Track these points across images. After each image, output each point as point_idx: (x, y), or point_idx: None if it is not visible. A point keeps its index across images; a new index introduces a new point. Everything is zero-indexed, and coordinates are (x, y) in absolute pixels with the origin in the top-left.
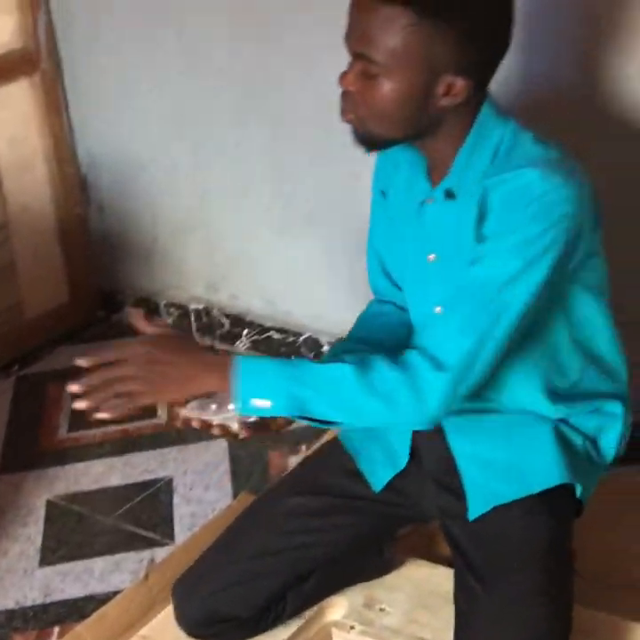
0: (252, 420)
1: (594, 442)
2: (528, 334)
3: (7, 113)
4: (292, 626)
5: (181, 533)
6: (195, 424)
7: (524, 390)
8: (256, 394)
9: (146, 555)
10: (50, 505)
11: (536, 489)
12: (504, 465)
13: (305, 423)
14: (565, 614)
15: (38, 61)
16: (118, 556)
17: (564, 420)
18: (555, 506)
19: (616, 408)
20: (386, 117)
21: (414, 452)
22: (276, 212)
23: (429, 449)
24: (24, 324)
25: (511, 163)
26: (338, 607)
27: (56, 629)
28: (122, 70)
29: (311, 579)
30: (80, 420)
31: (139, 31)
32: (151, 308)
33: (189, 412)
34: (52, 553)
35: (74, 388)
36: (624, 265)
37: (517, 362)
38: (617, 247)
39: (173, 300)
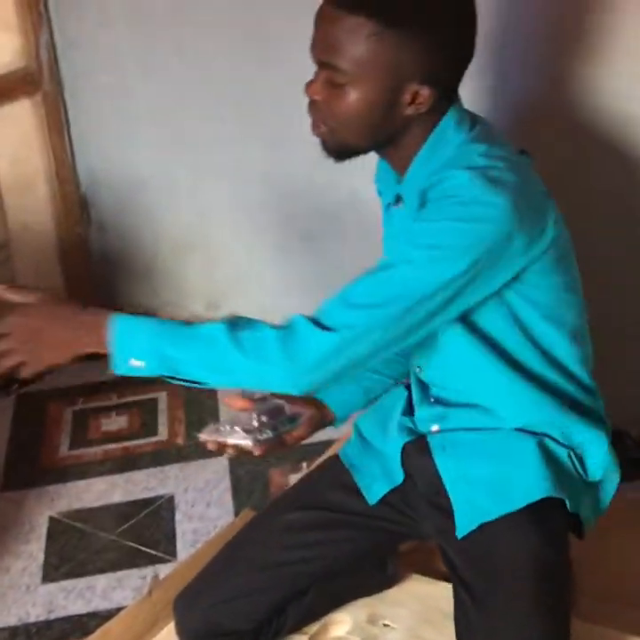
0: (265, 437)
1: (580, 457)
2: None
3: (8, 132)
4: None
5: (184, 550)
6: (211, 446)
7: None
8: (130, 354)
9: (148, 571)
10: (52, 522)
11: (520, 504)
12: (489, 481)
13: (182, 384)
14: (561, 630)
15: (40, 81)
16: (121, 573)
17: (548, 435)
18: (544, 521)
19: (596, 426)
20: (353, 126)
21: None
22: (275, 229)
23: (419, 468)
24: None
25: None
26: (342, 623)
27: None
28: (122, 90)
29: (310, 592)
30: (81, 437)
31: (139, 51)
32: None
33: (205, 435)
34: (54, 570)
35: None
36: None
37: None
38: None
39: (174, 318)
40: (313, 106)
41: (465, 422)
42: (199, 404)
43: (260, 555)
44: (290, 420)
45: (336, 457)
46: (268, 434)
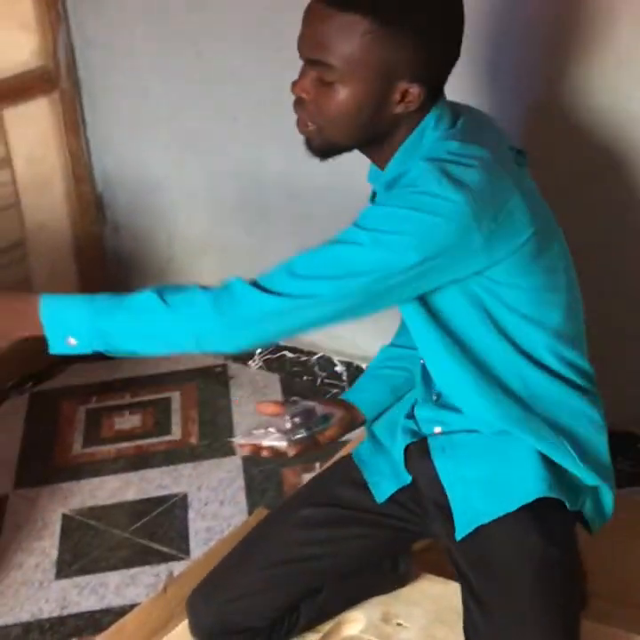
0: (299, 437)
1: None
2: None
3: (26, 131)
4: (310, 639)
5: (197, 548)
6: (246, 450)
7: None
8: (64, 333)
9: (161, 569)
10: (65, 519)
11: (516, 505)
12: (485, 483)
13: (119, 355)
14: (567, 630)
15: (57, 80)
16: (134, 570)
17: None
18: (544, 520)
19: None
20: (341, 124)
21: None
22: (291, 233)
23: (421, 470)
24: (38, 342)
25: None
26: (355, 622)
27: None
28: (139, 91)
29: (324, 591)
30: (94, 436)
31: (156, 52)
32: None
33: (239, 439)
34: (67, 566)
35: None
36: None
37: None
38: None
39: None
40: (300, 104)
41: (463, 424)
42: (212, 404)
43: (273, 551)
44: (322, 420)
45: (348, 456)
46: (302, 434)
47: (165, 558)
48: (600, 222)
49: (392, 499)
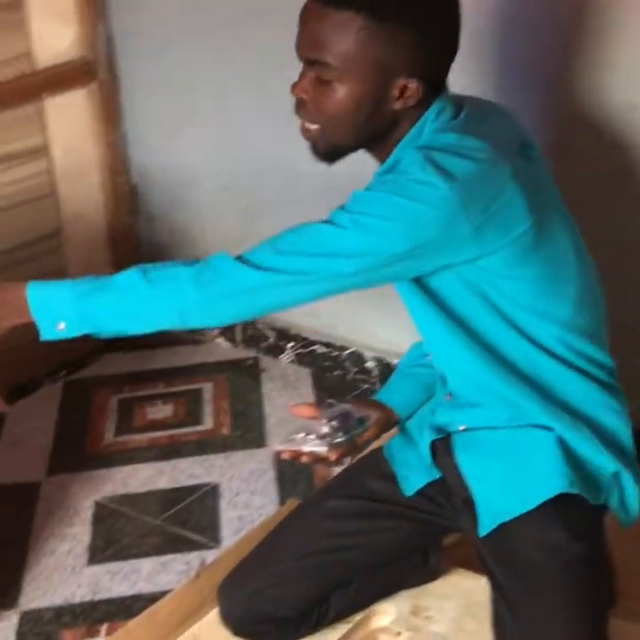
0: (338, 441)
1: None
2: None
3: (64, 121)
4: (340, 629)
5: (228, 537)
6: (286, 456)
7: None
8: (53, 319)
9: (192, 557)
10: (98, 506)
11: (536, 502)
12: (507, 481)
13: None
14: (594, 626)
15: (96, 72)
16: (165, 558)
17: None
18: (565, 517)
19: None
20: (342, 122)
21: None
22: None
23: (446, 466)
24: None
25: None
26: (385, 614)
27: (104, 626)
28: (177, 83)
29: (354, 583)
30: (127, 425)
31: (197, 46)
32: None
33: (278, 446)
34: (100, 552)
35: None
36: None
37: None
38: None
39: None
40: (301, 106)
41: (484, 420)
42: (244, 396)
43: (302, 542)
44: (359, 423)
45: (379, 449)
46: (341, 438)
47: (196, 546)
48: (617, 220)
49: (421, 492)
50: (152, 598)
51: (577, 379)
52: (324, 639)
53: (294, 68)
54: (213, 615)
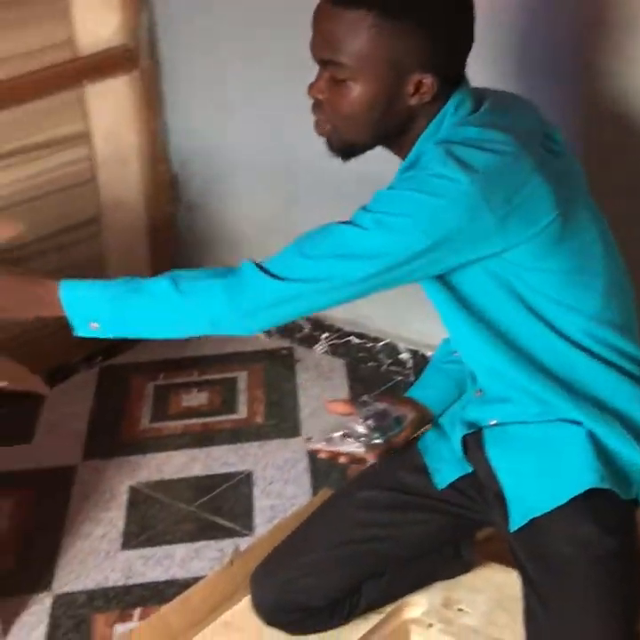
0: (376, 442)
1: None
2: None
3: (105, 108)
4: (371, 620)
5: (261, 525)
6: (323, 455)
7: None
8: (86, 318)
9: (225, 544)
10: (132, 491)
11: (566, 497)
12: (538, 476)
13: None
14: (627, 622)
15: (138, 59)
16: (199, 544)
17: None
18: (597, 511)
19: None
20: (358, 121)
21: None
22: None
23: (477, 461)
24: None
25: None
26: (416, 605)
27: (137, 611)
28: (219, 71)
29: (386, 574)
30: (162, 411)
31: (238, 35)
32: None
33: (315, 445)
34: (134, 537)
35: None
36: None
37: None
38: None
39: None
40: (317, 106)
41: (514, 414)
42: (278, 386)
43: (335, 532)
44: (395, 422)
45: (413, 441)
46: (379, 439)
47: (230, 534)
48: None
49: (453, 486)
50: (185, 584)
51: (606, 372)
52: (356, 629)
53: None
54: (245, 603)
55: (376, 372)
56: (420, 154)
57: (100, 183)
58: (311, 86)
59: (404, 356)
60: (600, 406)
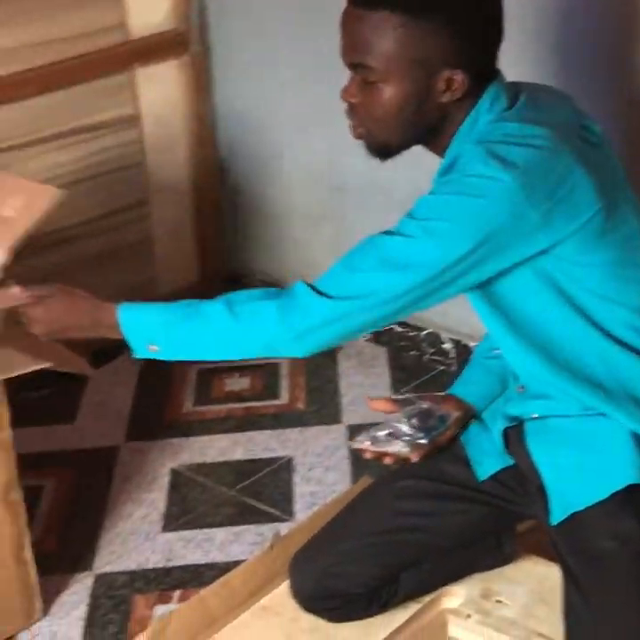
0: (421, 442)
1: None
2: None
3: (155, 92)
4: (410, 609)
5: (301, 511)
6: (368, 455)
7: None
8: (143, 343)
9: (265, 529)
10: (174, 474)
11: (607, 492)
12: (578, 470)
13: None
14: None
15: (189, 43)
16: (239, 528)
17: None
18: (638, 506)
19: None
20: (391, 123)
21: None
22: (408, 208)
23: (519, 454)
24: (156, 300)
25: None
26: (455, 596)
27: (176, 593)
28: (269, 57)
29: (426, 563)
30: (205, 395)
31: (289, 20)
32: None
33: (360, 444)
34: (175, 519)
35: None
36: None
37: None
38: None
39: None
40: (350, 110)
41: (556, 409)
42: (320, 373)
43: (375, 520)
44: (440, 420)
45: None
46: (423, 439)
47: (269, 519)
48: None
49: (495, 478)
50: (225, 567)
51: None
52: (394, 618)
53: None
54: (284, 588)
55: (418, 361)
56: (458, 154)
57: (148, 167)
58: (343, 91)
59: (447, 345)
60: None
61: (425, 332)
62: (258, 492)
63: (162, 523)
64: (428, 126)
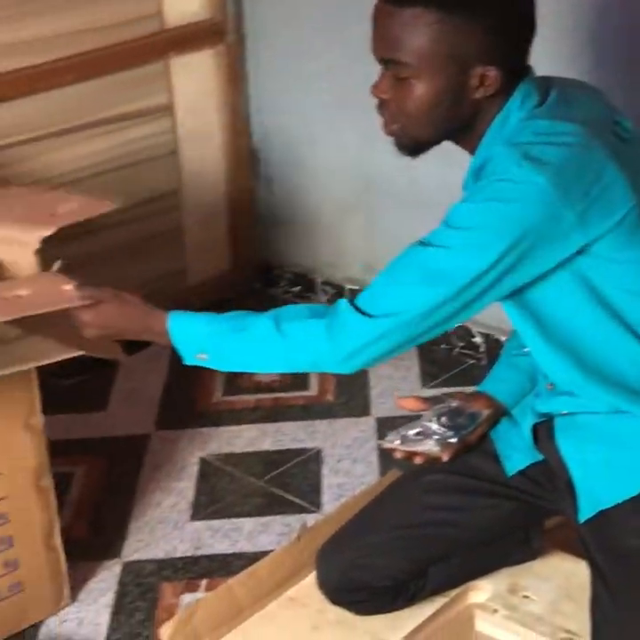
0: (451, 441)
1: None
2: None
3: (190, 81)
4: (437, 602)
5: (328, 503)
6: (398, 455)
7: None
8: (192, 351)
9: (293, 520)
10: (203, 463)
11: (636, 490)
12: (607, 467)
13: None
14: None
15: (224, 33)
16: (266, 518)
17: None
18: None
19: None
20: (423, 119)
21: None
22: (440, 201)
23: (548, 450)
24: (187, 290)
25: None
26: (482, 590)
27: (203, 582)
28: (303, 48)
29: (454, 558)
30: (235, 386)
31: (322, 10)
32: (307, 286)
33: (390, 443)
34: (203, 508)
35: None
36: None
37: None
38: None
39: (329, 279)
40: (382, 106)
41: (585, 406)
42: None
43: (404, 513)
44: (470, 419)
45: None
46: (453, 437)
47: (297, 509)
48: None
49: (523, 473)
50: (252, 557)
51: None
52: (421, 611)
53: None
54: (311, 579)
55: (448, 354)
56: (489, 156)
57: (182, 156)
58: (374, 87)
59: (477, 339)
60: None
61: (455, 326)
62: (286, 482)
63: (190, 512)
64: (460, 123)
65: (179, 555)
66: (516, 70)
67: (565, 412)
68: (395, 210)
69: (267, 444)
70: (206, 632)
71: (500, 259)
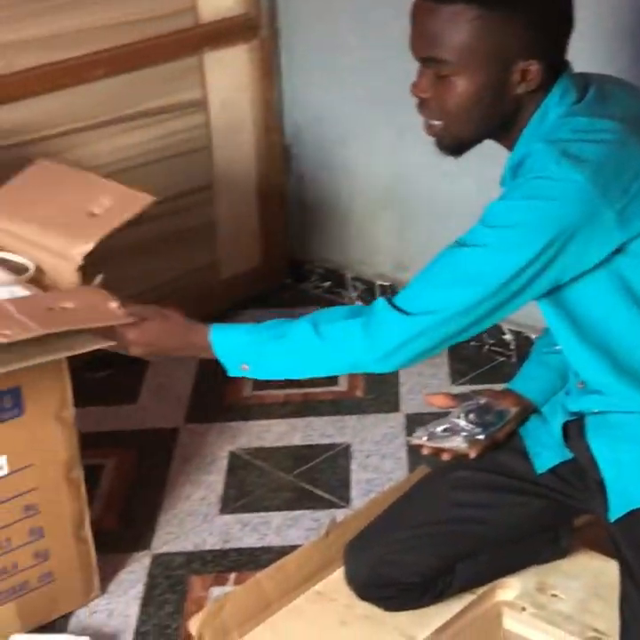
0: (479, 438)
1: None
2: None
3: (223, 76)
4: (465, 600)
5: (357, 498)
6: (425, 451)
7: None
8: (236, 363)
9: (321, 514)
10: (232, 457)
11: None
12: (638, 466)
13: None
14: None
15: (258, 28)
16: (295, 513)
17: None
18: None
19: None
20: (466, 116)
21: None
22: (472, 198)
23: (578, 448)
24: (218, 284)
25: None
26: (510, 588)
27: (232, 575)
28: (336, 44)
29: (482, 555)
30: (265, 380)
31: (357, 5)
32: (337, 281)
33: (418, 440)
34: (232, 502)
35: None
36: None
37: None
38: None
39: (360, 275)
40: (423, 105)
41: (617, 405)
42: None
43: (431, 510)
44: (498, 416)
45: None
46: (481, 434)
47: (326, 505)
48: None
49: (553, 471)
50: (281, 551)
51: None
52: (448, 608)
53: None
54: (339, 574)
55: (478, 351)
56: (527, 153)
57: (215, 151)
58: (414, 86)
59: (508, 337)
60: None
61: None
62: (315, 477)
63: (219, 505)
64: (502, 119)
65: (208, 548)
66: (555, 65)
67: (596, 410)
68: (428, 209)
69: (296, 439)
70: (235, 626)
71: (537, 257)
